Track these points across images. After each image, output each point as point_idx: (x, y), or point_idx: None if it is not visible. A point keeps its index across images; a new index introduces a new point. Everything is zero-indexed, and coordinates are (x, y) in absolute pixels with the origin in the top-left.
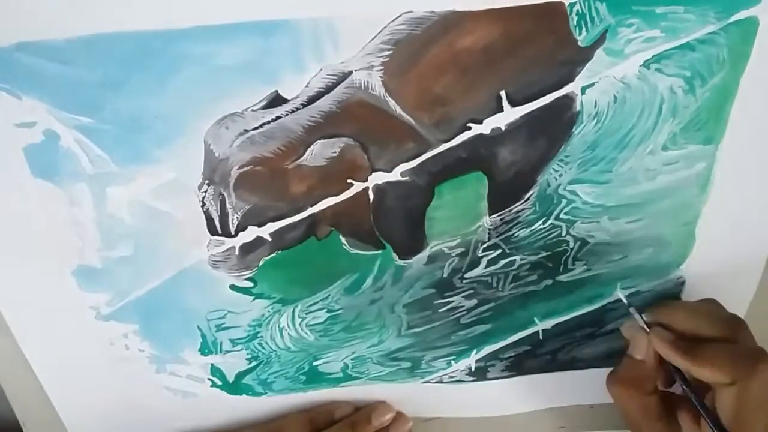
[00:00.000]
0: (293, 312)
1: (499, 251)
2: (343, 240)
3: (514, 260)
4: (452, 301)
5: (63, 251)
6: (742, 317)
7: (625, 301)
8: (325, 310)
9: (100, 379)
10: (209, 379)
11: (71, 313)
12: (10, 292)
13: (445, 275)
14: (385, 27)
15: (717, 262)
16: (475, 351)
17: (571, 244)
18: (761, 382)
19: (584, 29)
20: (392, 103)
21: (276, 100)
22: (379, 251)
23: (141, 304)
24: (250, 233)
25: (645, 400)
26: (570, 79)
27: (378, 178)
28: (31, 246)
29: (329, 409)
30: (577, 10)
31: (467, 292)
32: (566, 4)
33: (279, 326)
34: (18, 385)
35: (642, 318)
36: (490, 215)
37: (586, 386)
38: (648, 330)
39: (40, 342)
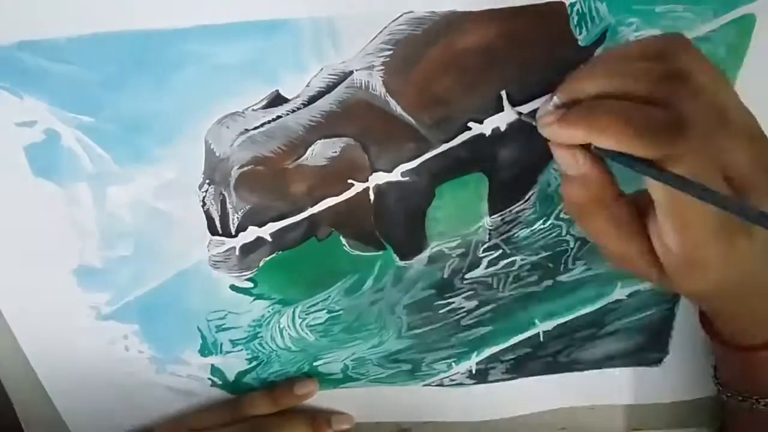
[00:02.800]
0: (293, 312)
1: (500, 252)
2: (344, 241)
3: (515, 260)
4: (452, 302)
5: (63, 251)
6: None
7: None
8: (326, 310)
9: (100, 379)
10: (209, 378)
11: (71, 312)
12: (11, 292)
13: (445, 276)
14: (385, 27)
15: None
16: (475, 353)
17: (572, 244)
18: (686, 162)
19: (584, 29)
20: (393, 103)
21: (277, 100)
22: (380, 252)
23: (141, 304)
24: (251, 233)
25: (611, 211)
26: None
27: (378, 178)
28: (32, 245)
29: (290, 383)
30: (578, 10)
31: (468, 293)
32: (566, 3)
33: (279, 326)
34: (19, 384)
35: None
36: (490, 215)
37: (587, 388)
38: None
39: (40, 342)
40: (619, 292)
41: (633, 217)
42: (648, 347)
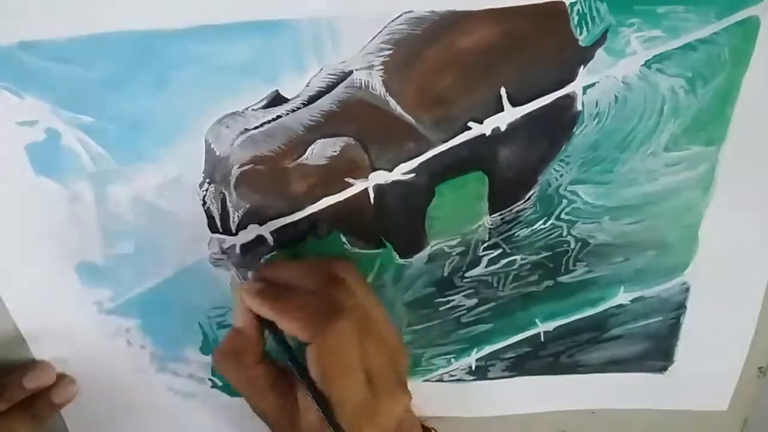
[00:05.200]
0: None
1: (500, 251)
2: (344, 239)
3: (515, 260)
4: (452, 300)
5: (65, 248)
6: (343, 270)
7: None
8: None
9: (101, 378)
10: (210, 379)
11: (75, 307)
12: (16, 288)
13: (445, 274)
14: (385, 27)
15: (723, 268)
16: (475, 350)
17: (572, 245)
18: (334, 341)
19: (585, 29)
20: (393, 102)
21: (277, 100)
22: (380, 250)
23: (143, 300)
24: (251, 232)
25: (249, 372)
26: (571, 78)
27: (378, 177)
28: (34, 242)
29: (19, 374)
30: (578, 10)
31: (467, 291)
32: (567, 3)
33: None
34: None
35: (238, 273)
36: (490, 215)
37: (588, 391)
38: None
39: (45, 336)
40: (623, 297)
41: (272, 383)
42: (653, 354)
